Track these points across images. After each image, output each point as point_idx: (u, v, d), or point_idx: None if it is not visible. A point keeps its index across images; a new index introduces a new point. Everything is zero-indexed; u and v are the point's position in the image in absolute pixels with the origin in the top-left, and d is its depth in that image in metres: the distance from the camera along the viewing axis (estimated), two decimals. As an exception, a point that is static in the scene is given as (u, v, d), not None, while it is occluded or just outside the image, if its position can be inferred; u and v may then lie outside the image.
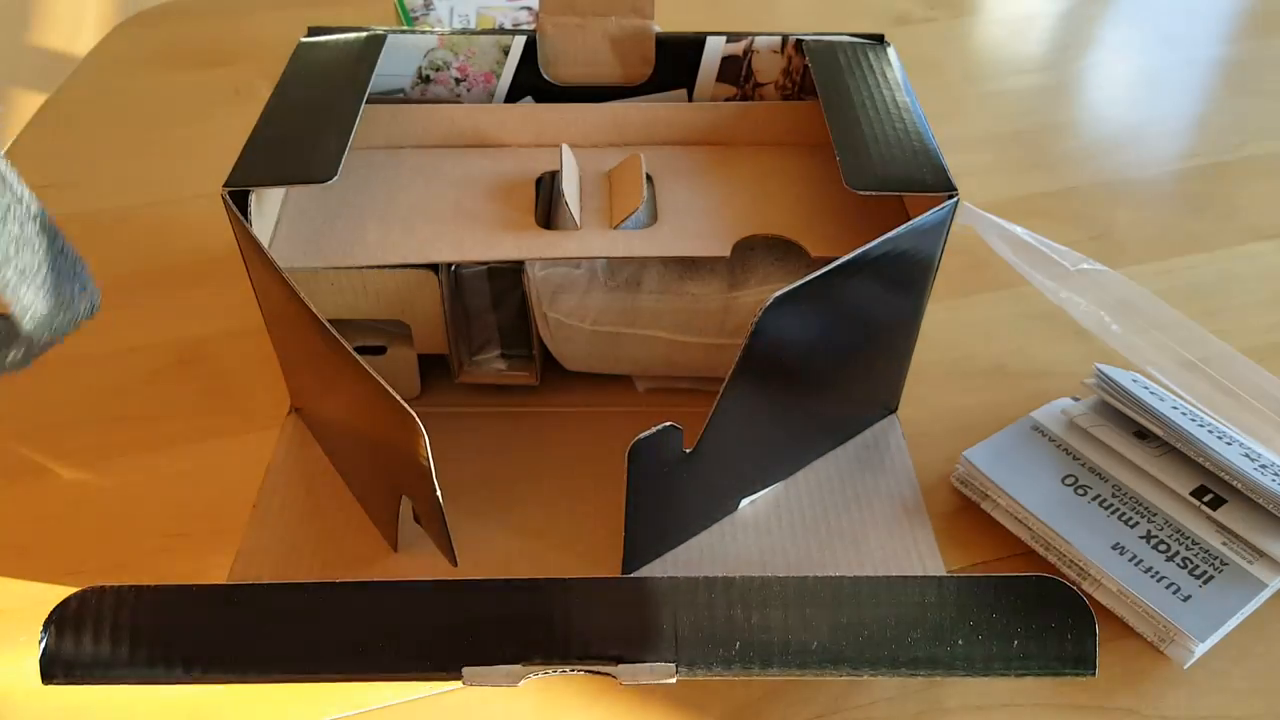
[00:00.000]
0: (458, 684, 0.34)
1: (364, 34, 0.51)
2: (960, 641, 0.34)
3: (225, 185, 0.41)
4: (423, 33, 0.52)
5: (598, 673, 0.34)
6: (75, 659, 0.33)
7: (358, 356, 0.36)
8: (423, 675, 0.34)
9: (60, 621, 0.33)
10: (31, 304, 0.33)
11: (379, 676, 0.34)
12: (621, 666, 0.33)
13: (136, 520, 0.46)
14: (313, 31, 0.51)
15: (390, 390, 0.35)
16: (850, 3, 0.90)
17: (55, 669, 0.33)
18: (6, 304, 0.32)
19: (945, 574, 0.43)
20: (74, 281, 0.34)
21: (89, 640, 0.33)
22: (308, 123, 0.45)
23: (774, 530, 0.45)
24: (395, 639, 0.34)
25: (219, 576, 0.43)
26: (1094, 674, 0.33)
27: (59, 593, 0.37)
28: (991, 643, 0.34)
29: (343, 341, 0.37)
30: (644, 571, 0.44)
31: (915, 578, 0.35)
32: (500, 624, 0.34)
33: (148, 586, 0.34)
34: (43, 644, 0.33)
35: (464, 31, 0.53)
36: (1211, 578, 0.41)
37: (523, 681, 0.33)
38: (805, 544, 0.45)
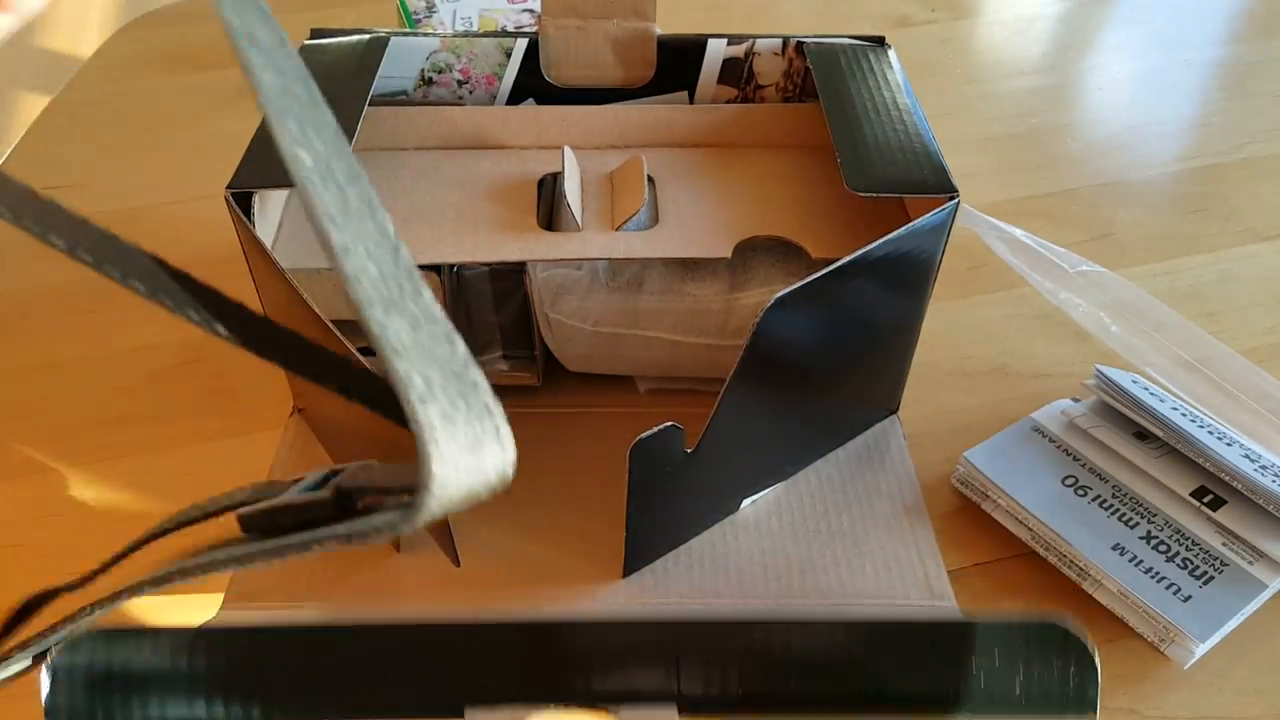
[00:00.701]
0: None
1: (366, 36, 0.51)
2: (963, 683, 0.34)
3: (229, 187, 0.41)
4: (425, 35, 0.52)
5: (601, 709, 0.34)
6: (75, 708, 0.33)
7: (361, 358, 0.36)
8: (424, 716, 0.34)
9: (58, 671, 0.33)
10: (437, 432, 0.18)
11: (378, 716, 0.34)
12: (624, 708, 0.33)
13: (138, 521, 0.46)
14: (315, 34, 0.51)
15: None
16: (851, 5, 0.91)
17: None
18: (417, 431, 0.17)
19: (949, 615, 0.43)
20: (485, 414, 0.19)
21: (89, 689, 0.33)
22: (310, 124, 0.45)
23: (775, 530, 0.45)
24: (395, 679, 0.34)
25: (221, 579, 0.43)
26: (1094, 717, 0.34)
27: (62, 593, 0.37)
28: (994, 687, 0.34)
29: (346, 343, 0.37)
30: (645, 572, 0.44)
31: (921, 621, 0.35)
32: (502, 664, 0.34)
33: (147, 630, 0.34)
34: (44, 694, 0.32)
35: (466, 34, 0.53)
36: (1212, 578, 0.41)
37: None
38: (806, 544, 0.45)
